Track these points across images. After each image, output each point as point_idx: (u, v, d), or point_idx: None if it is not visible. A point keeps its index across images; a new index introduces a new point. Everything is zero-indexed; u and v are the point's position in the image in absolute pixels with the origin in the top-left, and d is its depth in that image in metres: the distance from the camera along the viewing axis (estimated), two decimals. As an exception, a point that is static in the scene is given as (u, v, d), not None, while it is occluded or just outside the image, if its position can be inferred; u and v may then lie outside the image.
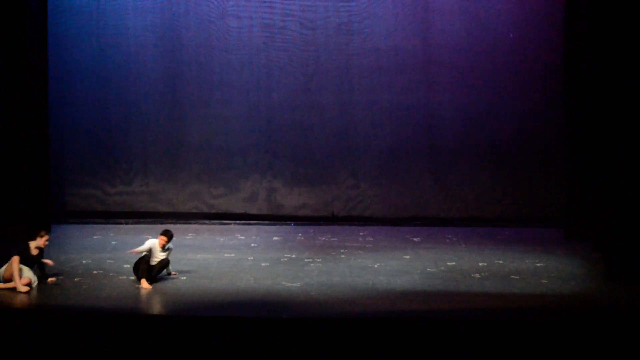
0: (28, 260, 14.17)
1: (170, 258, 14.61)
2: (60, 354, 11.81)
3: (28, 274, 14.03)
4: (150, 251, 14.45)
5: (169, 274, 14.69)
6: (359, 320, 12.37)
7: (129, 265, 15.38)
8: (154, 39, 19.38)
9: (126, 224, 19.25)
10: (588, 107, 16.68)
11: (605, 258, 15.14)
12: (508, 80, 19.26)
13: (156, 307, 13.30)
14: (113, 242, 17.28)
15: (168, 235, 14.56)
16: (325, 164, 19.62)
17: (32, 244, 14.32)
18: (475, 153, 19.35)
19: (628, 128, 14.50)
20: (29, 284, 13.89)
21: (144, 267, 14.25)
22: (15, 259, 13.94)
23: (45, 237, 14.48)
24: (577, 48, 17.36)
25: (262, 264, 15.70)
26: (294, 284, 14.32)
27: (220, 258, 15.89)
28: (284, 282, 14.44)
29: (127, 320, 12.30)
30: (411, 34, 19.31)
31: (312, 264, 15.74)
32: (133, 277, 14.61)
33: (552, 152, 18.90)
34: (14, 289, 13.78)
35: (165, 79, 19.47)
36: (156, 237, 14.62)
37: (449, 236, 18.22)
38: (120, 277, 14.62)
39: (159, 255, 14.46)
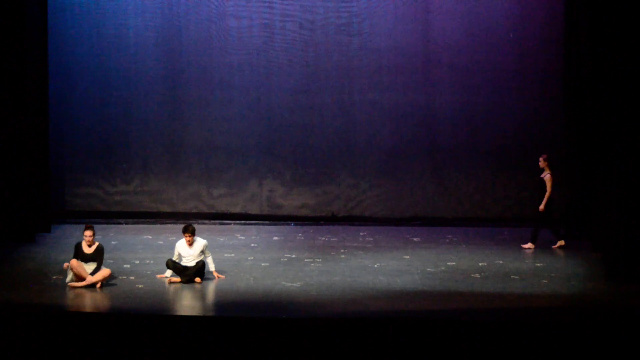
0: (82, 258, 14.19)
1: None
2: (60, 354, 11.80)
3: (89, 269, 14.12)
4: (179, 255, 14.57)
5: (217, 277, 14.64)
6: (359, 320, 12.36)
7: (129, 265, 15.40)
8: (154, 39, 19.38)
9: (126, 224, 19.26)
10: (588, 107, 16.67)
11: (605, 258, 15.14)
12: (508, 81, 19.27)
13: (156, 307, 13.29)
14: (113, 242, 17.28)
15: (188, 230, 14.55)
16: (325, 164, 19.63)
17: (83, 242, 14.29)
18: (475, 153, 19.35)
19: (628, 128, 14.50)
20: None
21: (169, 263, 14.47)
22: (71, 262, 14.07)
23: (85, 233, 14.32)
24: (577, 48, 17.36)
25: (262, 264, 15.70)
26: (294, 284, 14.32)
27: (220, 258, 15.87)
28: (284, 282, 14.43)
29: (127, 320, 12.29)
30: (411, 34, 19.31)
31: (312, 264, 15.74)
32: (133, 277, 14.62)
33: (552, 152, 18.89)
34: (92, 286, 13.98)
35: (165, 79, 19.47)
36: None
37: (449, 236, 18.22)
38: (120, 277, 14.61)
39: (190, 255, 14.49)
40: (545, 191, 16.96)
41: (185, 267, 14.41)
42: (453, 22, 19.24)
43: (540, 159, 17.16)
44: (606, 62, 14.98)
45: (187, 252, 14.49)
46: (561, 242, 17.12)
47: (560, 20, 18.27)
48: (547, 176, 17.03)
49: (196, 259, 14.46)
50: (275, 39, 19.44)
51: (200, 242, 14.53)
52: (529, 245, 17.09)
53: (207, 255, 14.56)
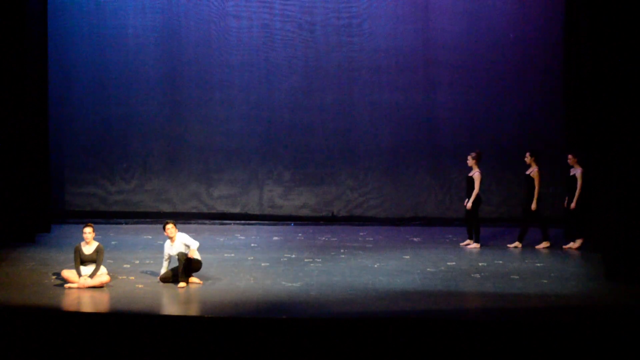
0: (83, 260, 14.16)
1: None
2: (60, 354, 11.80)
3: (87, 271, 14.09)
4: (169, 255, 14.47)
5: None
6: (359, 320, 12.36)
7: (128, 265, 15.40)
8: (154, 39, 19.40)
9: (126, 223, 19.27)
10: (588, 107, 16.67)
11: (605, 258, 15.14)
12: (508, 80, 19.29)
13: (156, 308, 13.29)
14: (113, 242, 17.28)
15: (168, 224, 14.35)
16: (325, 164, 19.64)
17: (82, 243, 14.27)
18: (475, 153, 19.36)
19: (628, 128, 14.50)
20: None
21: (163, 278, 14.40)
22: (62, 273, 14.13)
23: (84, 230, 14.26)
24: (577, 48, 17.36)
25: (262, 264, 15.70)
26: (294, 284, 14.31)
27: (220, 258, 15.88)
28: (284, 282, 14.43)
29: (127, 320, 12.29)
30: (411, 34, 19.33)
31: (312, 264, 15.74)
32: (133, 277, 14.62)
33: (552, 152, 18.90)
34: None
35: (165, 79, 19.48)
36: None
37: (449, 236, 18.22)
38: (120, 277, 14.62)
39: (175, 254, 14.38)
40: (473, 189, 17.05)
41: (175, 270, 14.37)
42: (453, 22, 19.26)
43: (469, 156, 17.23)
44: (606, 62, 14.97)
45: (172, 250, 14.42)
46: (475, 245, 17.16)
47: (560, 20, 18.29)
48: (475, 174, 17.12)
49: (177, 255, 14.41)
50: (275, 39, 19.45)
51: (181, 238, 14.32)
52: (467, 242, 17.21)
53: (191, 247, 14.28)
